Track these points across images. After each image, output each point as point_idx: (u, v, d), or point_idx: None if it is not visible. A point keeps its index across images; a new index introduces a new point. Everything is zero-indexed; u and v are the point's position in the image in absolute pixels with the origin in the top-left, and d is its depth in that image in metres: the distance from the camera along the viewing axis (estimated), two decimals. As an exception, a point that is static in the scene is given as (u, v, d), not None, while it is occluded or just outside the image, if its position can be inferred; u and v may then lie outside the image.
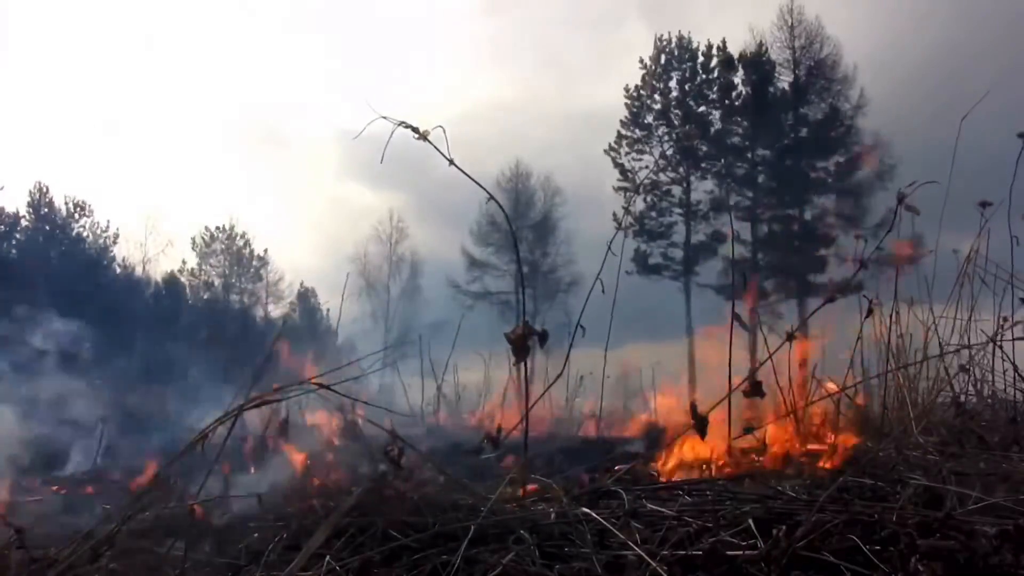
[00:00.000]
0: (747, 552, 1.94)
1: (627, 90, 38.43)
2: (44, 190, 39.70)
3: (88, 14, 63.46)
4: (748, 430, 3.43)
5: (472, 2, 62.19)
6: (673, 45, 38.16)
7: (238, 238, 44.30)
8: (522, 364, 3.11)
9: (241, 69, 63.25)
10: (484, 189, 3.10)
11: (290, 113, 66.42)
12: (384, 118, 2.66)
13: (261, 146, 64.87)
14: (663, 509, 2.35)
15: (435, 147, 2.75)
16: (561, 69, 55.49)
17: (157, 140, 64.97)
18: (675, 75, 38.03)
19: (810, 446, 3.49)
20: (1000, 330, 4.09)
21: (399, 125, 2.68)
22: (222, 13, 66.10)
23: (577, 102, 55.15)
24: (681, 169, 37.21)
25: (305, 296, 45.91)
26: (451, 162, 2.84)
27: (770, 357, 3.35)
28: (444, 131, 2.72)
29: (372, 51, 67.10)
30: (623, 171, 37.75)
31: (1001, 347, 4.12)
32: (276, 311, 43.37)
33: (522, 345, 2.84)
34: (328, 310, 43.02)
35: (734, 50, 36.95)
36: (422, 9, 65.06)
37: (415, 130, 2.69)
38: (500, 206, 3.67)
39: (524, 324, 2.84)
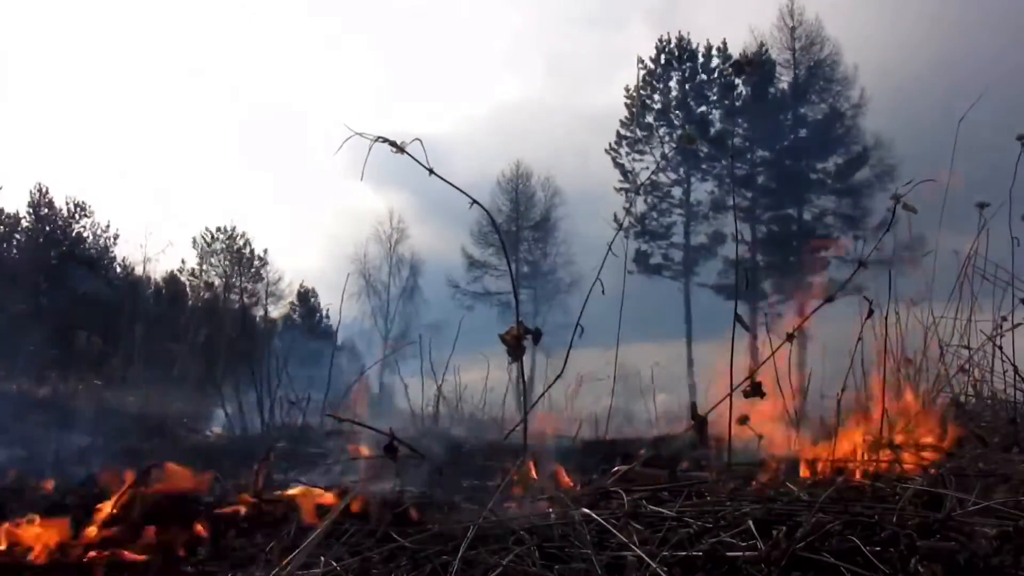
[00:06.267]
0: (747, 553, 1.93)
1: (627, 90, 38.48)
2: (44, 190, 39.73)
3: (89, 12, 63.50)
4: (743, 421, 3.43)
5: (477, 4, 62.20)
6: (673, 45, 38.20)
7: (238, 238, 44.34)
8: (520, 364, 3.11)
9: (244, 68, 63.32)
10: (468, 196, 3.10)
11: (292, 113, 66.44)
12: (359, 135, 2.68)
13: (262, 146, 64.93)
14: (663, 510, 2.35)
15: (414, 158, 2.78)
16: (567, 71, 55.60)
17: (157, 140, 64.97)
18: (675, 75, 38.07)
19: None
20: (999, 330, 4.09)
21: (376, 140, 2.69)
22: (226, 11, 66.11)
23: (582, 103, 55.22)
24: (681, 170, 37.24)
25: (305, 296, 45.96)
26: (431, 171, 2.86)
27: (771, 356, 3.36)
28: (422, 143, 2.75)
29: (378, 52, 67.17)
30: (623, 171, 37.81)
31: (1001, 347, 4.12)
32: (276, 311, 43.43)
33: (517, 345, 2.85)
34: (328, 310, 43.09)
35: (734, 51, 37.02)
36: (427, 11, 65.10)
37: (393, 144, 2.71)
38: (487, 211, 3.68)
39: (518, 324, 2.85)
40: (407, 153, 2.76)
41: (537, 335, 2.91)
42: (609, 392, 5.52)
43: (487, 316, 36.39)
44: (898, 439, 3.27)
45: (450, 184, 3.01)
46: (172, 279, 42.33)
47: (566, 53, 56.41)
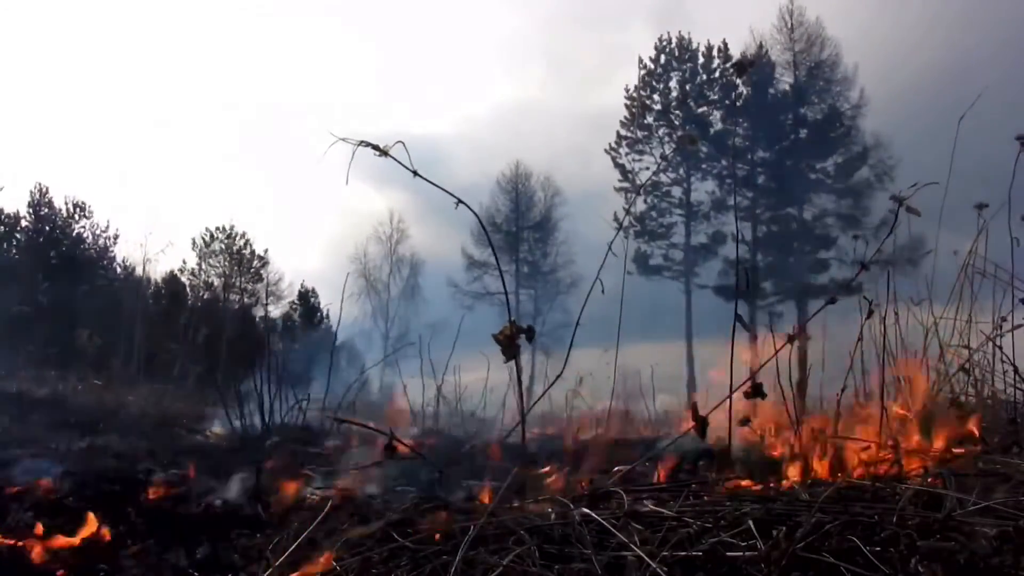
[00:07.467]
0: (747, 553, 1.93)
1: (627, 91, 38.48)
2: (44, 190, 39.71)
3: (90, 12, 63.49)
4: (744, 422, 3.43)
5: (477, 4, 62.23)
6: (673, 46, 38.19)
7: (238, 238, 44.32)
8: (517, 364, 3.11)
9: (245, 68, 63.32)
10: (454, 196, 3.10)
11: (292, 113, 66.43)
12: (343, 140, 2.70)
13: (262, 146, 64.93)
14: (663, 510, 2.35)
15: (398, 161, 2.79)
16: (567, 71, 55.61)
17: (157, 140, 64.99)
18: (675, 76, 38.06)
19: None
20: (999, 330, 4.09)
21: (359, 144, 2.71)
22: (227, 11, 66.11)
23: (582, 103, 55.26)
24: (681, 170, 37.23)
25: (306, 296, 45.95)
26: (415, 173, 2.88)
27: (772, 356, 3.35)
28: (404, 145, 2.78)
29: (379, 52, 67.16)
30: (623, 172, 37.80)
31: (1001, 347, 4.11)
32: (276, 311, 43.42)
33: (510, 344, 2.85)
34: (328, 310, 43.08)
35: (735, 51, 37.04)
36: (427, 11, 65.13)
37: (376, 148, 2.73)
38: (474, 212, 3.67)
39: (511, 323, 2.85)
40: (391, 156, 2.77)
41: (530, 333, 2.91)
42: (609, 392, 5.53)
43: (487, 316, 36.36)
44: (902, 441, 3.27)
45: (435, 185, 3.03)
46: (172, 279, 42.35)
47: (566, 53, 56.44)
